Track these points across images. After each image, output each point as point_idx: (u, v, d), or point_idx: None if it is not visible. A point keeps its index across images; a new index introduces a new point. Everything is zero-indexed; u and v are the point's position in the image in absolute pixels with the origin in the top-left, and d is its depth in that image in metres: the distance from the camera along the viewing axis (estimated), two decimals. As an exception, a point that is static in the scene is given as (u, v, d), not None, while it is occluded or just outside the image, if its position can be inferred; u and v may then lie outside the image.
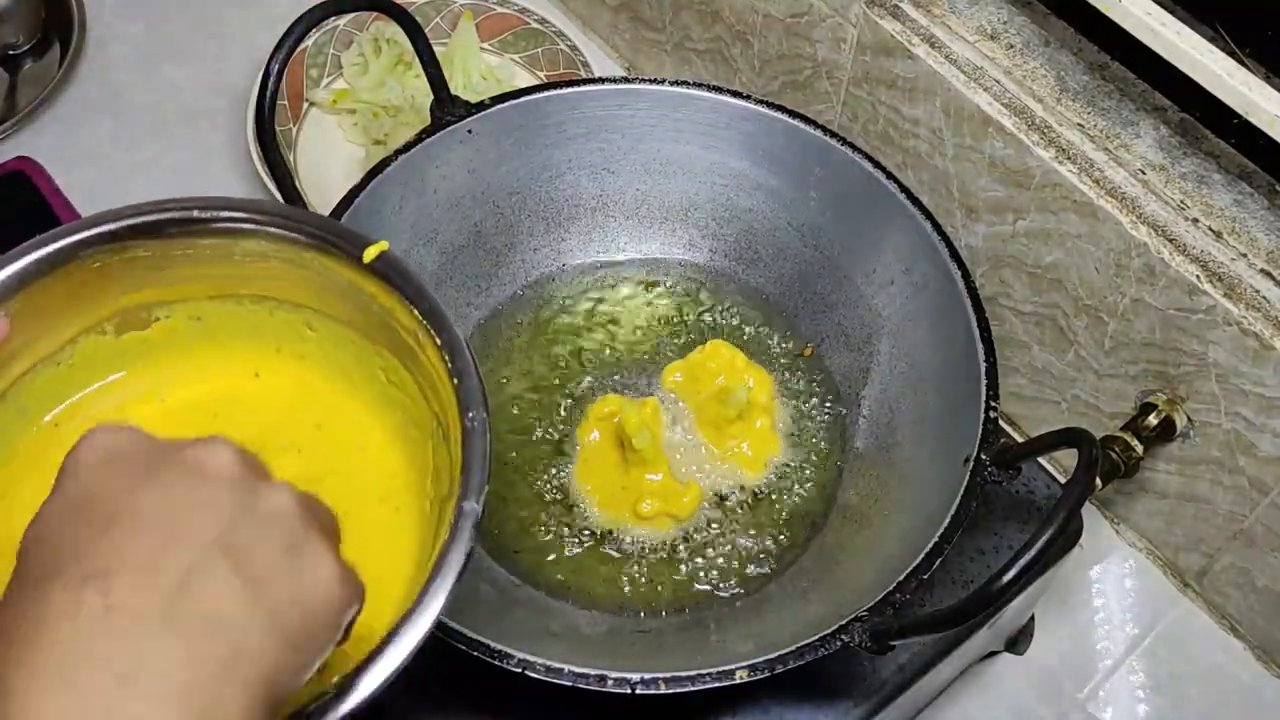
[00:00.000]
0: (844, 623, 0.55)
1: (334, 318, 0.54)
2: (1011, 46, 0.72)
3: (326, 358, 0.56)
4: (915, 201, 0.68)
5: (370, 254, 0.50)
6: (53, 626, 0.33)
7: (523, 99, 0.72)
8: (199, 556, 0.35)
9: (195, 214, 0.51)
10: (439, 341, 0.49)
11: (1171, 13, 0.62)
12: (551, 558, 0.67)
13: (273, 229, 0.51)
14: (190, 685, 0.33)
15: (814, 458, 0.71)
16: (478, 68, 0.95)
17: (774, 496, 0.70)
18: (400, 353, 0.52)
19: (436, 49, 0.72)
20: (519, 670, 0.54)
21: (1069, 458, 0.56)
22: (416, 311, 0.50)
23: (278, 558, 0.37)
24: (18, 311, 0.49)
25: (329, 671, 0.43)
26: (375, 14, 0.93)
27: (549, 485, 0.70)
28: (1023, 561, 0.49)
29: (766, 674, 0.54)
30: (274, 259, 0.52)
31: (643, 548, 0.67)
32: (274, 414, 0.55)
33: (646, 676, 0.54)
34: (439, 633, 0.54)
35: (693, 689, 0.53)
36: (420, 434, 0.52)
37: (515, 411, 0.72)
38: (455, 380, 0.48)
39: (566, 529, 0.68)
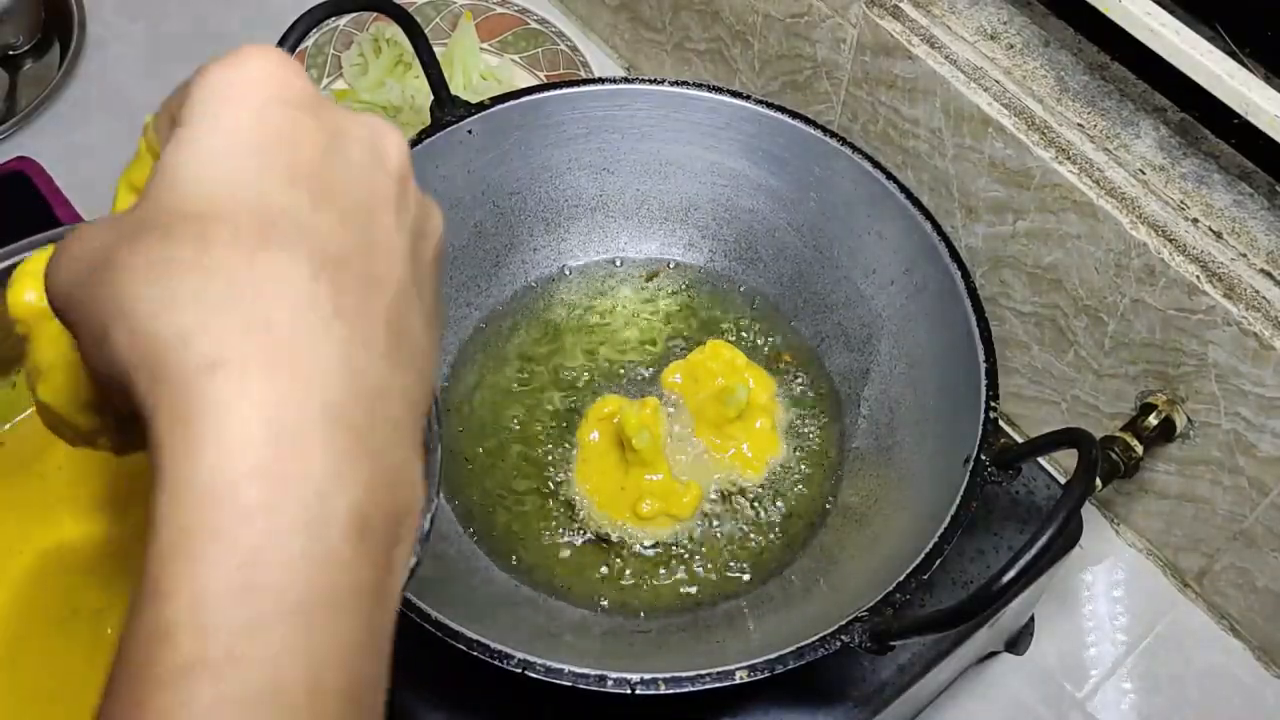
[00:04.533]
0: (844, 623, 0.55)
1: None
2: (1011, 46, 0.72)
3: None
4: (915, 201, 0.68)
5: None
6: (275, 307, 0.28)
7: (523, 99, 0.72)
8: (402, 279, 0.31)
9: None
10: None
11: (1171, 13, 0.62)
12: (551, 558, 0.67)
13: None
14: (408, 398, 0.31)
15: (814, 458, 0.71)
16: (478, 68, 0.95)
17: (774, 497, 0.70)
18: None
19: (436, 49, 0.72)
20: (519, 670, 0.54)
21: (1069, 458, 0.56)
22: None
23: (436, 286, 0.34)
24: None
25: None
26: (375, 14, 0.93)
27: (549, 485, 0.70)
28: (1023, 562, 0.49)
29: (766, 674, 0.54)
30: None
31: (642, 548, 0.68)
32: None
33: (646, 676, 0.54)
34: (439, 633, 0.54)
35: (692, 689, 0.53)
36: None
37: (514, 413, 0.72)
38: None
39: (566, 529, 0.68)
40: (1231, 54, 0.62)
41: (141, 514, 0.42)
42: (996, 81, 0.70)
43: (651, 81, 0.73)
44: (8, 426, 0.53)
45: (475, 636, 0.54)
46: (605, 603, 0.66)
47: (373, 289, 0.30)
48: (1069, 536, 0.66)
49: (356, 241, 0.30)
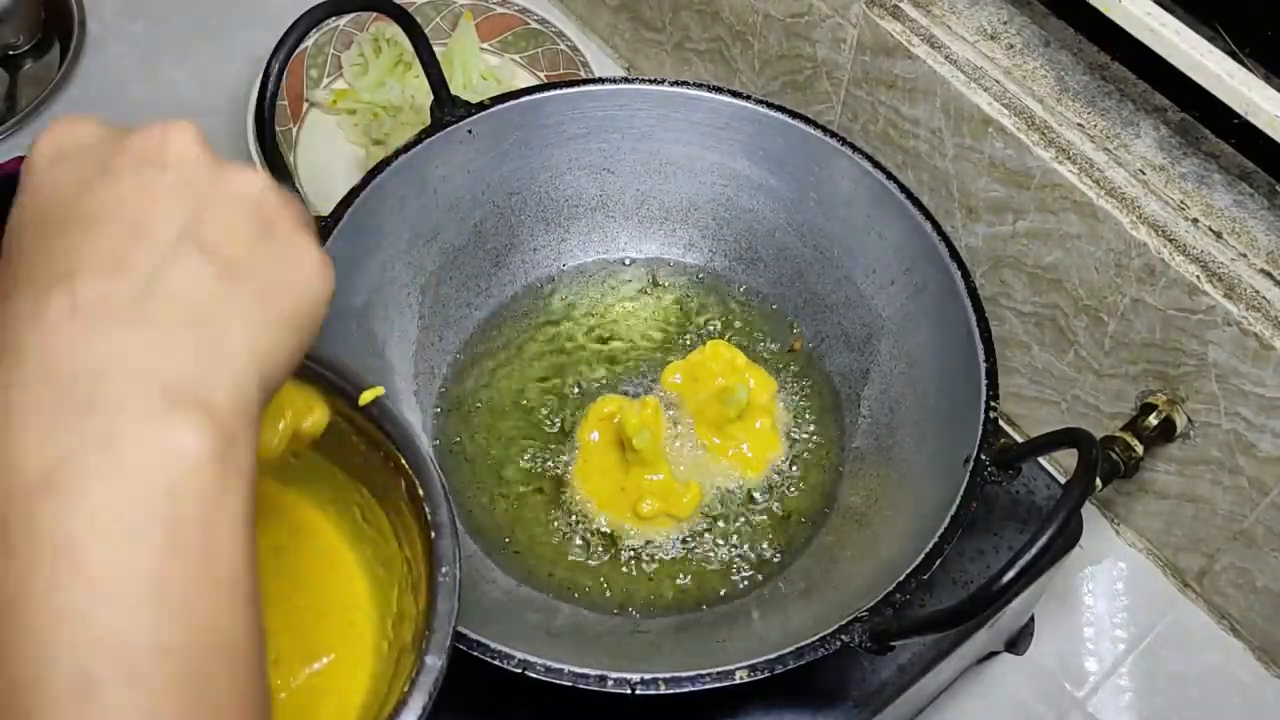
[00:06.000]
0: (844, 623, 0.55)
1: (318, 450, 0.54)
2: (1011, 46, 0.72)
3: (307, 486, 0.56)
4: (915, 201, 0.68)
5: (366, 398, 0.51)
6: (20, 335, 0.32)
7: (523, 99, 0.72)
8: (166, 247, 0.34)
9: None
10: (421, 493, 0.49)
11: (1171, 13, 0.62)
12: (551, 558, 0.67)
13: None
14: (168, 369, 0.32)
15: (814, 458, 0.71)
16: (478, 68, 0.95)
17: (774, 497, 0.70)
18: (379, 494, 0.52)
19: (436, 49, 0.72)
20: (519, 670, 0.54)
21: (1069, 458, 0.56)
22: (404, 460, 0.50)
23: (254, 240, 0.35)
24: None
25: None
26: (375, 14, 0.93)
27: (549, 485, 0.70)
28: (1022, 562, 0.49)
29: (766, 674, 0.54)
30: None
31: (643, 548, 0.68)
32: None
33: (646, 676, 0.54)
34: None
35: (692, 689, 0.53)
36: (388, 575, 0.53)
37: (515, 412, 0.72)
38: (432, 534, 0.48)
39: (567, 529, 0.68)
40: (1231, 54, 0.62)
41: None
42: (996, 81, 0.70)
43: (651, 81, 0.73)
44: None
45: (475, 636, 0.54)
46: (605, 603, 0.66)
47: (122, 274, 0.33)
48: (1069, 536, 0.66)
49: (111, 246, 0.33)
